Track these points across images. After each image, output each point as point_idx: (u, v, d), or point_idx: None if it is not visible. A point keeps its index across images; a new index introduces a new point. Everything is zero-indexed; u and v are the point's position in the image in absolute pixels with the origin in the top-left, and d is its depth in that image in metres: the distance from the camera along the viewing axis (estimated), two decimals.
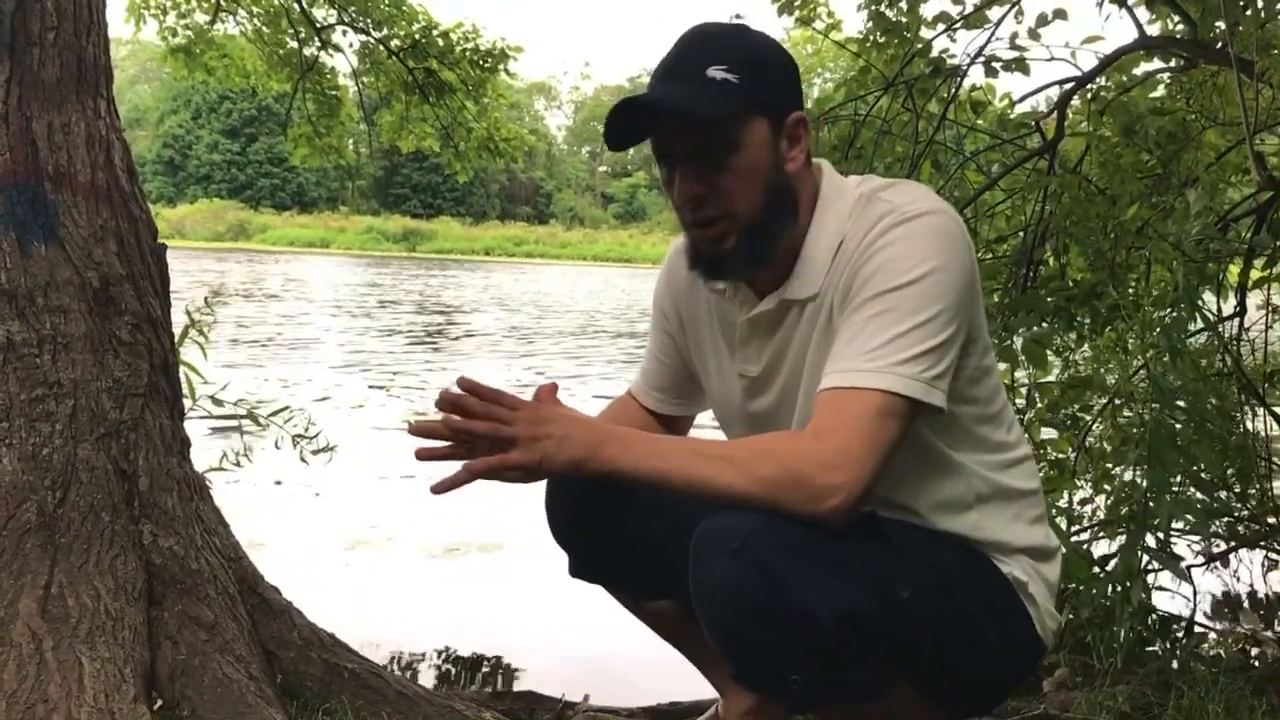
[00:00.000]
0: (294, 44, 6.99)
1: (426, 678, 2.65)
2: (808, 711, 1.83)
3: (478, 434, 1.37)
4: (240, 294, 17.47)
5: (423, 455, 1.40)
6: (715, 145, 1.45)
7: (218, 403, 2.98)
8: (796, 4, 3.74)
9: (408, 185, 56.53)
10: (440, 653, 2.82)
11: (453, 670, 2.72)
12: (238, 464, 3.15)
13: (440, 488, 1.37)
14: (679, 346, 1.77)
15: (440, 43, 7.10)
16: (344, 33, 7.07)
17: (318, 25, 6.87)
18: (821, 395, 1.41)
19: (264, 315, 13.95)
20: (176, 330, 2.12)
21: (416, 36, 7.02)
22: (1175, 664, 2.41)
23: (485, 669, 2.74)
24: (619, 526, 1.70)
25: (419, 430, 1.39)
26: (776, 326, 1.57)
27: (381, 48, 7.03)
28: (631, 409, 1.83)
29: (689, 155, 1.46)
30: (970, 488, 1.55)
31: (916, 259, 1.42)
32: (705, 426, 1.86)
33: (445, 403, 1.38)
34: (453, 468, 1.38)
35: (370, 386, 7.91)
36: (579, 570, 1.81)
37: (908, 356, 1.38)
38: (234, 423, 4.54)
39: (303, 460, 3.42)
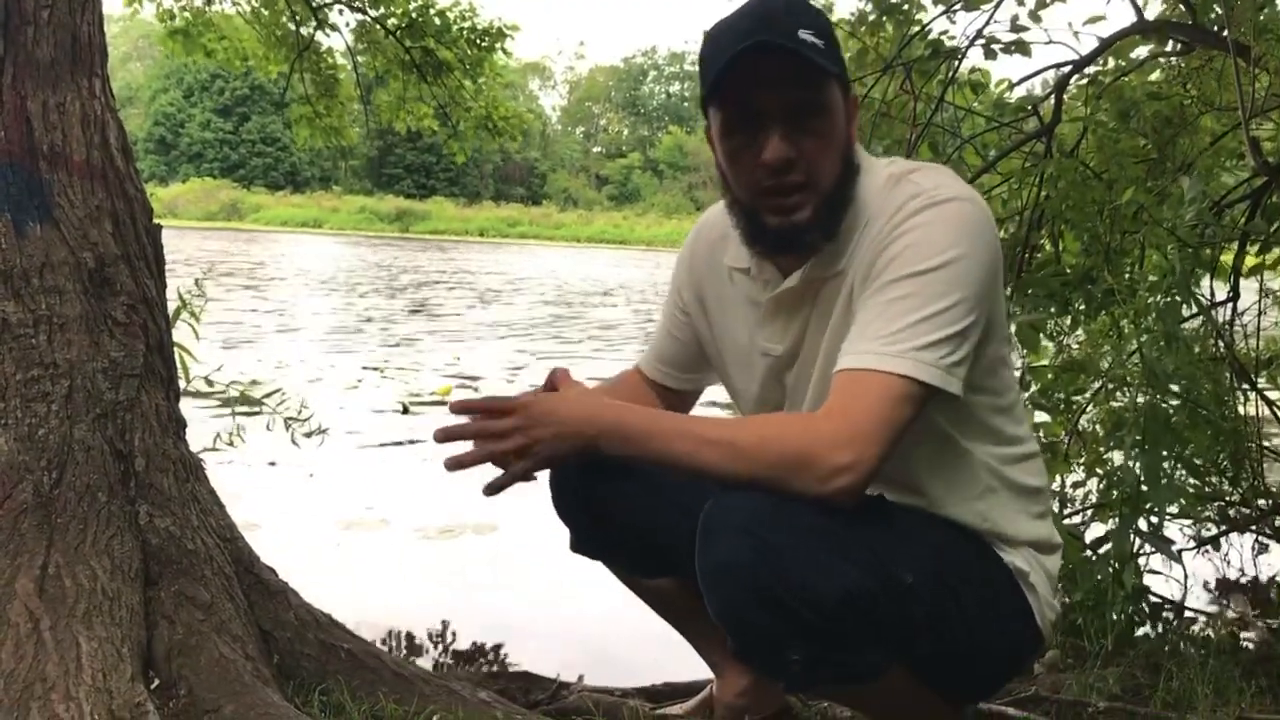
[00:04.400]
0: (290, 25, 6.94)
1: (422, 658, 2.66)
2: (804, 691, 1.84)
3: (479, 449, 1.46)
4: (237, 274, 17.44)
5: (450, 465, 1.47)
6: (810, 106, 1.45)
7: (210, 384, 2.98)
8: None
9: (401, 165, 56.40)
10: (435, 633, 2.83)
11: (448, 651, 2.73)
12: (231, 444, 3.16)
13: (452, 464, 1.46)
14: (695, 325, 1.76)
15: (437, 21, 7.06)
16: (340, 11, 7.03)
17: (314, 4, 6.83)
18: (838, 376, 1.42)
19: (262, 295, 13.93)
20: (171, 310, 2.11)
21: (413, 15, 6.99)
22: (1166, 647, 2.43)
23: (480, 650, 2.75)
24: (623, 503, 1.70)
25: (457, 411, 1.49)
26: (801, 304, 1.57)
27: (378, 27, 6.99)
28: (635, 384, 1.83)
29: (783, 115, 1.44)
30: (979, 478, 1.56)
31: (941, 245, 1.41)
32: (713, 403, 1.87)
33: (457, 413, 1.48)
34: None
35: (364, 367, 7.91)
36: (580, 545, 1.81)
37: (927, 342, 1.38)
38: (227, 403, 4.54)
39: (294, 443, 3.42)
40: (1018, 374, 3.01)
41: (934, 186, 1.46)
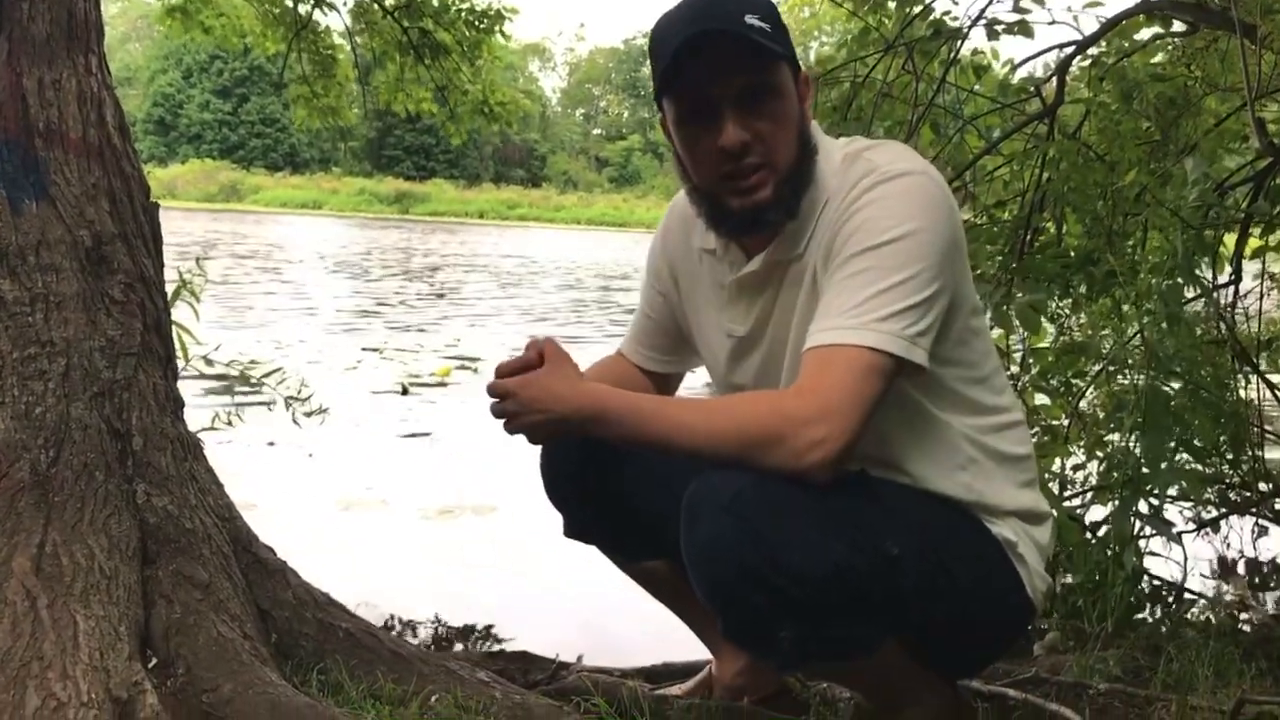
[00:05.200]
0: (288, 2, 6.89)
1: (420, 638, 2.67)
2: (798, 670, 1.84)
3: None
4: (238, 255, 17.40)
5: None
6: (762, 88, 1.46)
7: (210, 363, 2.97)
8: None
9: (400, 147, 56.14)
10: (434, 614, 2.83)
11: (447, 631, 2.74)
12: (230, 424, 3.15)
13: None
14: (671, 305, 1.78)
15: (435, 2, 7.01)
16: None
17: None
18: (806, 354, 1.43)
19: (262, 276, 13.90)
20: (168, 290, 2.10)
21: None
22: (1165, 629, 2.43)
23: (479, 630, 2.75)
24: (613, 488, 1.70)
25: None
26: (764, 287, 1.58)
27: (375, 6, 6.93)
28: (621, 367, 1.84)
29: (736, 99, 1.45)
30: (959, 449, 1.56)
31: (896, 219, 1.42)
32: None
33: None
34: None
35: (364, 348, 7.89)
36: (573, 531, 1.82)
37: (888, 313, 1.39)
38: (226, 383, 4.53)
39: (295, 422, 3.42)
40: (1019, 355, 3.02)
41: (887, 162, 1.47)
